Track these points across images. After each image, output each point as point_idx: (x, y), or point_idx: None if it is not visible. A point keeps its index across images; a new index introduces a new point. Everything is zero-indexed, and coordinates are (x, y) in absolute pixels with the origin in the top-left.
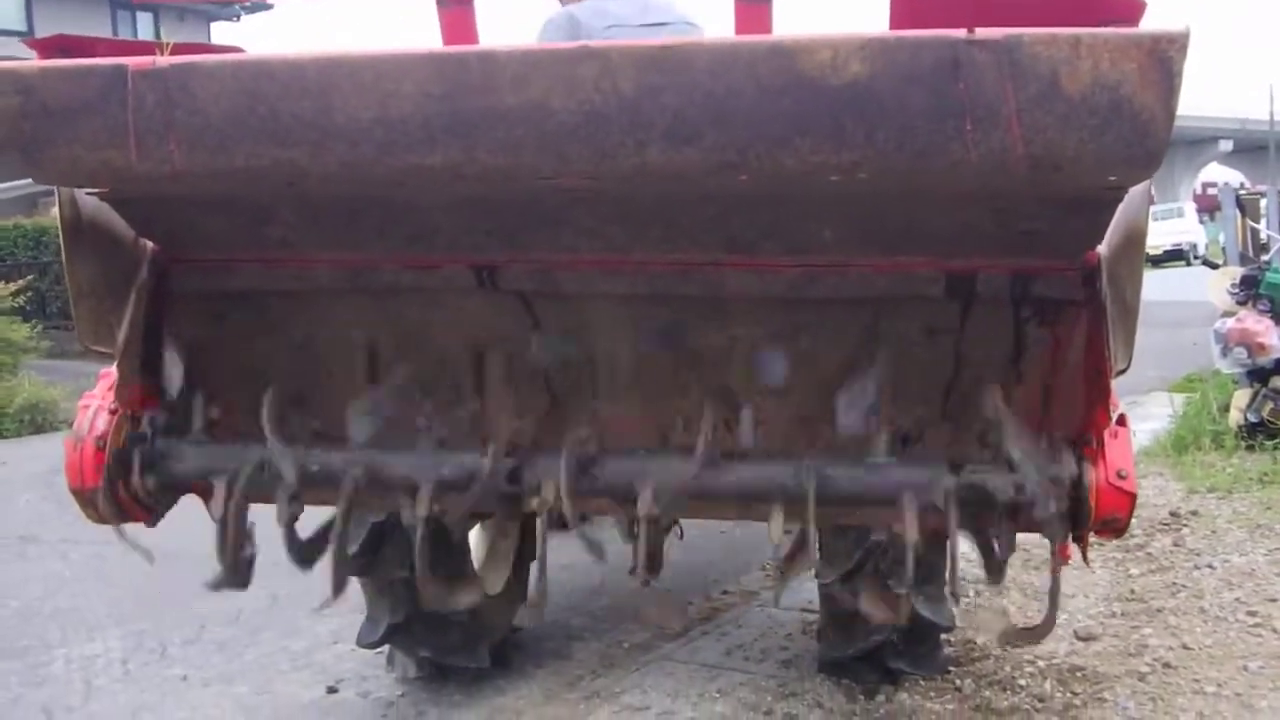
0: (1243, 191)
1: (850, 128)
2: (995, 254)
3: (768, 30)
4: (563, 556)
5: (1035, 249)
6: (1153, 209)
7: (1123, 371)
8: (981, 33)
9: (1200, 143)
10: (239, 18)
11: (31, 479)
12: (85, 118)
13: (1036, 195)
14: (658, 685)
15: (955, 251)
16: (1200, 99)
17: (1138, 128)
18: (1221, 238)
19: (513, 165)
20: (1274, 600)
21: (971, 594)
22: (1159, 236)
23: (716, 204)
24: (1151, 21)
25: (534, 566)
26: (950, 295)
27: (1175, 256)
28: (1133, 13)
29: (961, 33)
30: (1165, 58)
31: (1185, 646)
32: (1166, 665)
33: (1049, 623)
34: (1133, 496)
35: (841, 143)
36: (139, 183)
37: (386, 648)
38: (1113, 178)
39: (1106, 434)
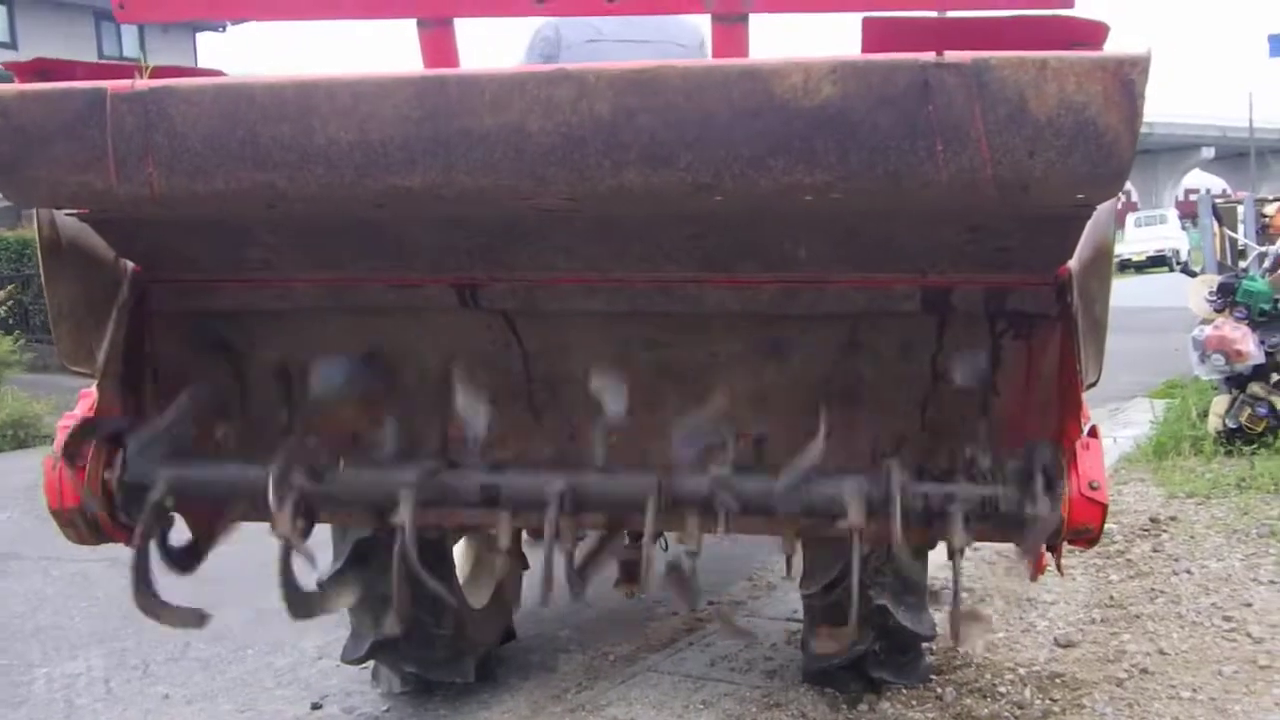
0: (1220, 200)
1: (822, 149)
2: (970, 270)
3: (744, 51)
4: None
5: (1008, 265)
6: (1135, 215)
7: (1093, 384)
8: (950, 56)
9: (1182, 150)
10: (225, 29)
11: (13, 494)
12: (64, 141)
13: (1008, 213)
14: (643, 697)
15: (930, 268)
16: (1182, 107)
17: (1102, 148)
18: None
19: (491, 186)
20: (1249, 605)
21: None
22: (1142, 243)
23: (694, 223)
24: (1115, 43)
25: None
26: (926, 310)
27: (1158, 263)
28: (1096, 35)
29: (931, 56)
30: (1128, 80)
31: (1162, 652)
32: (1144, 671)
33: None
34: (1104, 507)
35: (814, 164)
36: (118, 205)
37: (371, 663)
38: (1080, 196)
39: (1078, 445)
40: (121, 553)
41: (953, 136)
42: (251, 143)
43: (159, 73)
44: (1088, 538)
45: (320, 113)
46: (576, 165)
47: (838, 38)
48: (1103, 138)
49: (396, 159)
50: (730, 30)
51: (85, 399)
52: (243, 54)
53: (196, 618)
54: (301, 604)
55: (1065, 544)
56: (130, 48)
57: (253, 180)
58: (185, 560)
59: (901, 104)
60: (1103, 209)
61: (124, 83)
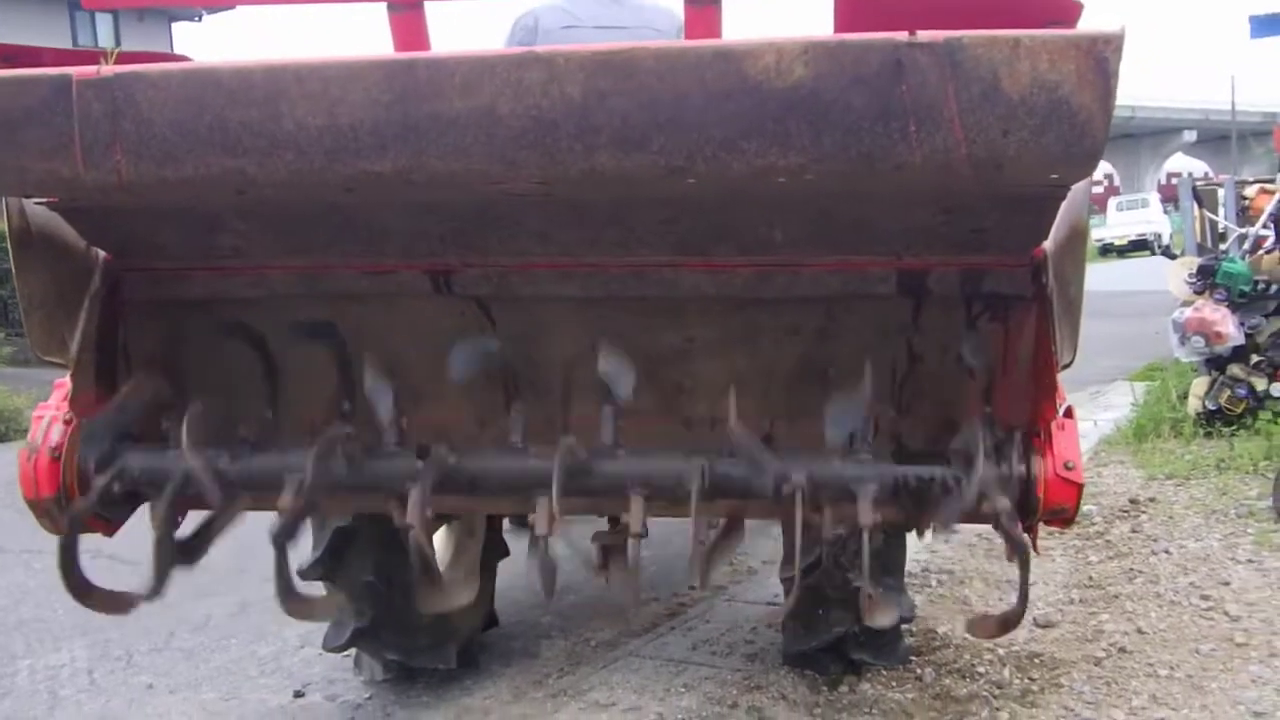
0: (1201, 182)
1: (795, 130)
2: (945, 252)
3: (717, 33)
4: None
5: (984, 246)
6: (1117, 199)
7: (1068, 365)
8: (923, 35)
9: (1164, 133)
10: (200, 19)
11: None
12: (30, 128)
13: (982, 193)
14: (624, 682)
15: (906, 250)
16: (1164, 90)
17: (1076, 127)
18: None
19: (462, 171)
20: (1227, 584)
21: (934, 584)
22: (1124, 227)
23: (668, 207)
24: (1088, 22)
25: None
26: (902, 292)
27: (1140, 246)
28: (1070, 14)
29: (903, 36)
30: (1102, 58)
31: (1140, 631)
32: (1122, 650)
33: (1018, 613)
34: (1080, 487)
35: (787, 145)
36: (87, 192)
37: (353, 651)
38: (1054, 176)
39: (1054, 426)
40: (104, 544)
41: (926, 116)
42: (220, 128)
43: (125, 58)
44: (1063, 518)
45: (289, 97)
46: (548, 149)
47: (812, 18)
48: (1076, 116)
49: (366, 144)
50: (702, 12)
51: (59, 389)
52: (219, 45)
53: (125, 603)
54: (298, 605)
55: (1041, 524)
56: (105, 39)
57: (221, 166)
58: (189, 551)
59: (874, 84)
60: (1077, 189)
61: (90, 69)
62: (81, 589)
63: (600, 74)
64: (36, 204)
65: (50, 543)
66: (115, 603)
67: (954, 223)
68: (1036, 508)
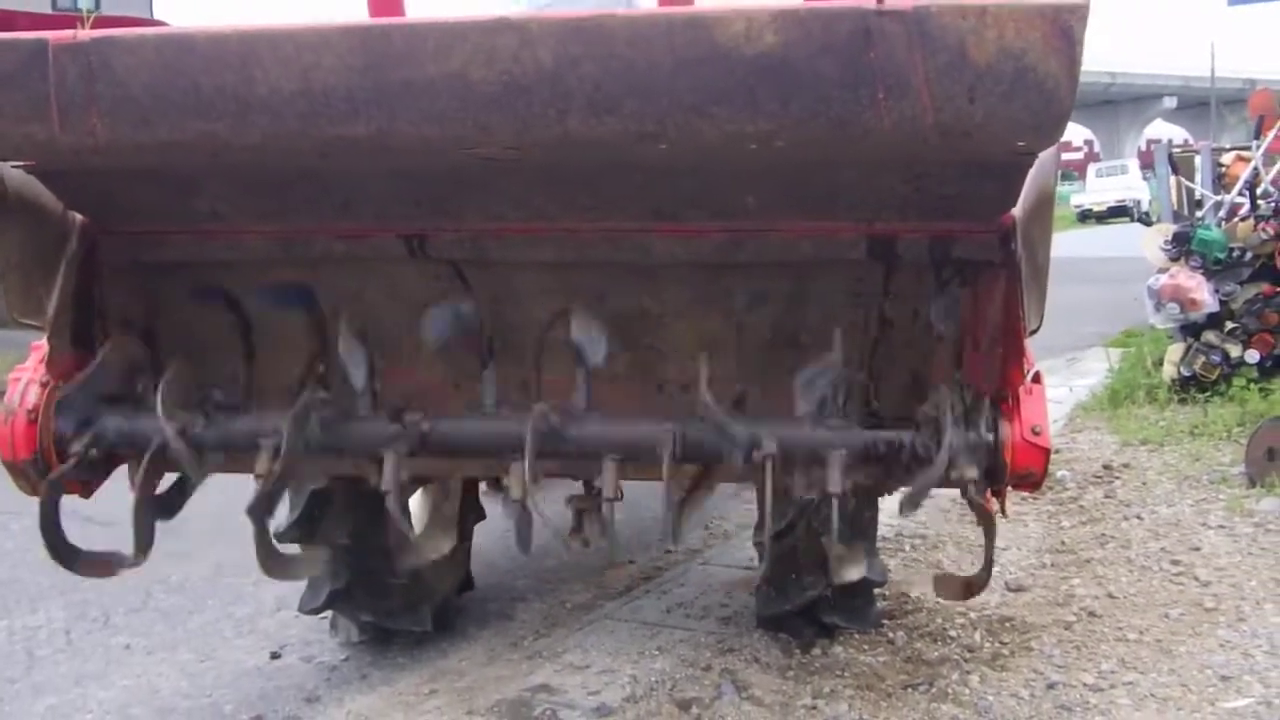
0: (1178, 149)
1: (765, 97)
2: (915, 218)
3: (689, 0)
4: (506, 519)
5: (953, 212)
6: (1097, 166)
7: (1035, 331)
8: (891, 4)
9: (1144, 100)
10: None
11: None
12: (6, 91)
13: (951, 160)
14: (599, 644)
15: (876, 216)
16: (1144, 57)
17: (1043, 94)
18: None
19: (435, 136)
20: (1197, 549)
21: (907, 548)
22: (1103, 193)
23: (641, 172)
24: None
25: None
26: (872, 258)
27: (1119, 213)
28: None
29: (872, 4)
30: (1067, 27)
31: (1111, 595)
32: (1092, 614)
33: (984, 579)
34: (1047, 451)
35: (757, 112)
36: (63, 156)
37: (329, 613)
38: (1021, 143)
39: (1021, 391)
40: (81, 505)
41: (894, 84)
42: (194, 92)
43: (101, 23)
44: (1031, 481)
45: (263, 62)
46: (520, 114)
47: None
48: (1043, 85)
49: (340, 109)
50: None
51: (36, 351)
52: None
53: (110, 566)
54: (277, 565)
55: (1010, 489)
56: (86, 6)
57: (196, 130)
58: (167, 507)
59: (843, 52)
60: (1045, 157)
61: (66, 33)
62: (66, 554)
63: (572, 40)
64: (13, 167)
65: (26, 504)
66: (100, 566)
67: (923, 189)
68: (1004, 473)
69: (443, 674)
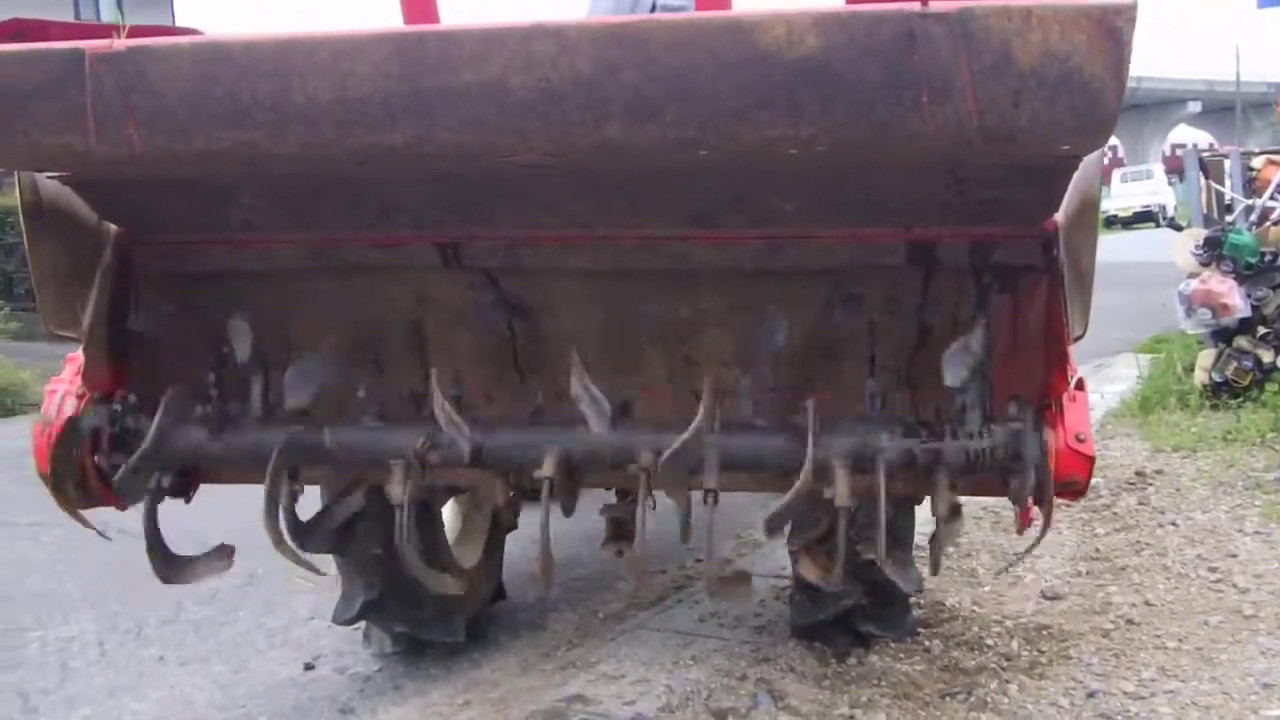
0: (1207, 153)
1: (807, 102)
2: (955, 223)
3: (727, 4)
4: (537, 529)
5: (994, 217)
6: (1121, 171)
7: (1079, 338)
8: (935, 6)
9: (1169, 104)
10: None
11: (1, 462)
12: (43, 102)
13: (994, 164)
14: (633, 654)
15: (916, 221)
16: (1169, 61)
17: (1088, 97)
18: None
19: (472, 143)
20: (1234, 556)
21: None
22: (1129, 199)
23: (679, 178)
24: None
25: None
26: (912, 264)
27: (1145, 218)
28: None
29: (916, 6)
30: (1114, 28)
31: (1148, 603)
32: (1130, 622)
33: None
34: (1091, 459)
35: (799, 116)
36: (99, 166)
37: (363, 624)
38: (1066, 146)
39: (1065, 398)
40: (111, 516)
41: (938, 87)
42: (230, 102)
43: (136, 32)
44: (1075, 490)
45: (299, 71)
46: (557, 121)
47: None
48: (1088, 87)
49: (376, 117)
50: None
51: (72, 363)
52: (219, 18)
53: (224, 559)
54: (172, 569)
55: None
56: (108, 13)
57: (232, 139)
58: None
59: (886, 55)
60: (1089, 161)
61: (102, 43)
62: (174, 567)
63: (611, 46)
64: (49, 178)
65: (57, 516)
66: (213, 566)
67: (965, 194)
68: (1049, 481)
69: (476, 685)
